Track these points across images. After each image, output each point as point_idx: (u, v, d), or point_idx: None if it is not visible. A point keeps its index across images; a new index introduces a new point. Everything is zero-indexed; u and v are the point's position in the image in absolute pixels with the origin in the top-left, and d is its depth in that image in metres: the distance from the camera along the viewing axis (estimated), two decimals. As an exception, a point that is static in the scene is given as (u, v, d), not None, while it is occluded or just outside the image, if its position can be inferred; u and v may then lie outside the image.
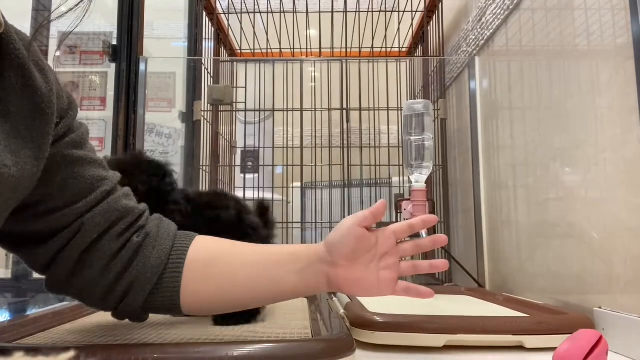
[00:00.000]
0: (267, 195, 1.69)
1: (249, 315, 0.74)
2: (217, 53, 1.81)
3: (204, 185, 1.58)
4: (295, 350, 0.52)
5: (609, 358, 0.53)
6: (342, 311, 0.79)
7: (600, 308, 0.72)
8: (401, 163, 1.58)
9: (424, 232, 1.10)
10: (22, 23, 0.55)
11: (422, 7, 1.68)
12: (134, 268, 0.54)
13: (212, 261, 0.58)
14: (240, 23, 1.73)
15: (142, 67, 1.46)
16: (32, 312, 0.81)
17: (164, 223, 0.60)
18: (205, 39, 1.73)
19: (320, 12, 1.70)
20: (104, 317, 0.78)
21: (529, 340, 0.66)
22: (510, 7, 1.13)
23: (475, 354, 0.65)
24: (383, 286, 0.57)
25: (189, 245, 0.58)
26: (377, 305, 0.80)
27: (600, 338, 0.52)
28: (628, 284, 0.70)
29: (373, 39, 1.74)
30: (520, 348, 0.66)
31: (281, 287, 0.57)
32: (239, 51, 1.85)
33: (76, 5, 0.51)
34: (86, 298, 0.57)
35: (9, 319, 0.78)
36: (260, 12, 1.71)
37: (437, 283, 1.37)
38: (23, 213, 0.51)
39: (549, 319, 0.72)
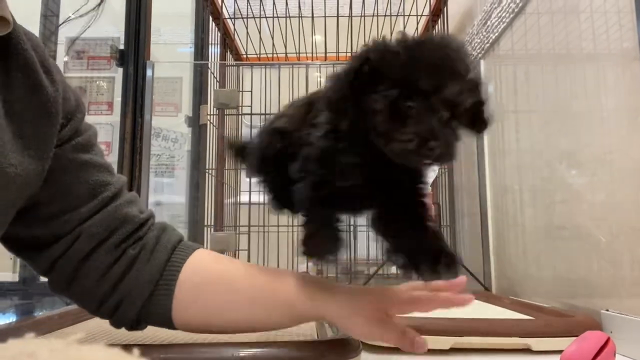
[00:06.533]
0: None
1: None
2: (223, 57, 1.82)
3: (209, 188, 1.59)
4: (302, 352, 0.52)
5: (616, 360, 0.53)
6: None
7: (607, 311, 0.72)
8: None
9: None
10: (31, 29, 0.56)
11: (427, 11, 1.68)
12: (126, 282, 0.53)
13: (205, 284, 0.55)
14: (246, 28, 1.74)
15: (149, 72, 1.46)
16: (39, 314, 0.81)
17: (166, 234, 0.57)
18: (212, 44, 1.74)
19: (325, 16, 1.70)
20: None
21: (536, 343, 0.65)
22: (516, 10, 1.12)
23: (482, 356, 0.65)
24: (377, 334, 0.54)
25: (185, 260, 0.56)
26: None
27: (608, 339, 0.52)
28: (635, 286, 0.69)
29: (378, 43, 1.74)
30: (527, 351, 0.66)
31: (270, 323, 0.56)
32: (245, 55, 1.86)
33: (86, 13, 0.52)
34: (84, 304, 0.57)
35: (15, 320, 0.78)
36: (266, 17, 1.72)
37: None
38: (27, 216, 0.51)
39: (556, 321, 0.72)
